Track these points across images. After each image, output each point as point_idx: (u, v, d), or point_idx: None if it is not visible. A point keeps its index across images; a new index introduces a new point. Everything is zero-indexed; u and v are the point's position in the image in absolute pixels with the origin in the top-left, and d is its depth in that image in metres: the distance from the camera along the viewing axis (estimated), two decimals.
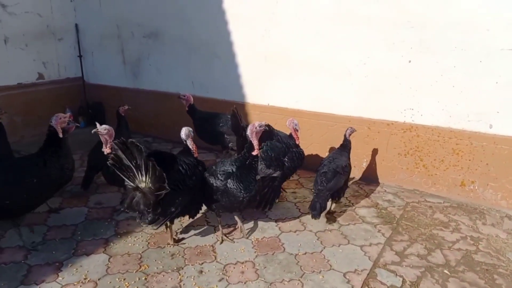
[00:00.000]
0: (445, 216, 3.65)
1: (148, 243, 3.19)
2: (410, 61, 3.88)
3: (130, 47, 5.80)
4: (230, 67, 5.00)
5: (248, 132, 3.04)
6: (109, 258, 2.98)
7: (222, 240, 3.23)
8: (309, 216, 3.59)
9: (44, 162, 3.11)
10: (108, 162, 2.66)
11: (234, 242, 3.23)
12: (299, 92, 4.60)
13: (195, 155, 3.17)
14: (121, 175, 2.69)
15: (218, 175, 3.05)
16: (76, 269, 2.85)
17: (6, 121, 5.32)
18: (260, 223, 3.53)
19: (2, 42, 5.19)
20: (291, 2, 4.35)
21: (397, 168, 4.21)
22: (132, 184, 2.72)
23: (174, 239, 3.21)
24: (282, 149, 3.65)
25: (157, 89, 5.72)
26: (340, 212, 3.74)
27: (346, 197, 3.98)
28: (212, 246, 3.17)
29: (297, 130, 3.71)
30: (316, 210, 3.35)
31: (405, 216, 3.66)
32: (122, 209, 3.55)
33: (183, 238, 3.27)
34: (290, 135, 3.79)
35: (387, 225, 3.51)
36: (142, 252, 3.06)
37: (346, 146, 3.78)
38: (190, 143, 3.16)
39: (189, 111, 4.54)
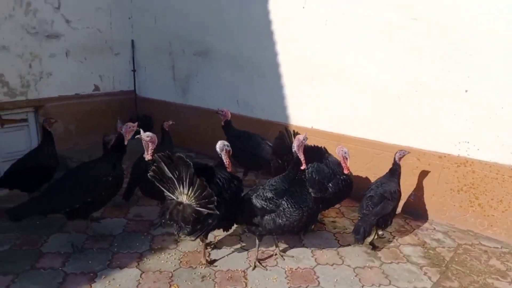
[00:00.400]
0: (502, 264, 3.30)
1: (181, 261, 3.16)
2: (466, 91, 3.62)
3: (181, 64, 5.96)
4: (275, 87, 4.97)
5: (295, 145, 2.98)
6: (141, 274, 2.97)
7: (255, 266, 3.13)
8: (349, 249, 3.42)
9: (114, 165, 3.32)
10: (148, 174, 2.75)
11: (267, 269, 3.11)
12: (344, 117, 4.46)
13: (228, 169, 3.15)
14: (161, 187, 2.76)
15: (269, 196, 2.95)
16: (109, 281, 2.87)
17: (61, 129, 5.66)
18: (295, 251, 3.39)
19: (64, 55, 5.53)
20: (340, 24, 4.26)
21: (449, 205, 3.90)
22: (171, 196, 2.79)
23: (206, 260, 3.15)
24: (328, 174, 3.53)
25: (203, 106, 5.80)
26: (383, 247, 3.50)
27: (390, 232, 3.74)
28: (244, 271, 3.07)
29: (347, 159, 3.54)
30: (359, 234, 3.21)
31: (456, 259, 3.35)
32: (159, 223, 3.61)
33: (215, 260, 3.21)
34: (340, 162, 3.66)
35: (435, 267, 3.22)
36: (173, 271, 3.03)
37: (395, 170, 3.60)
38: (224, 157, 3.15)
39: (224, 127, 4.54)
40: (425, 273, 3.14)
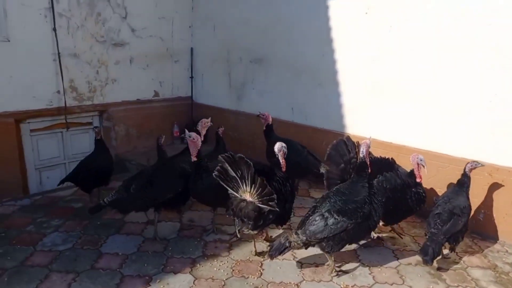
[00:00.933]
0: None
1: (233, 270, 3.13)
2: None
3: (237, 71, 6.01)
4: (332, 95, 4.83)
5: (363, 150, 3.02)
6: (194, 280, 2.97)
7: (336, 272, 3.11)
8: (410, 269, 3.20)
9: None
10: (214, 174, 3.00)
11: (320, 283, 2.98)
12: (406, 127, 4.21)
13: (283, 169, 3.27)
14: (225, 186, 3.00)
15: (352, 207, 2.91)
16: (163, 286, 2.90)
17: (123, 133, 5.93)
18: (350, 267, 3.23)
19: (128, 62, 5.80)
20: (405, 29, 4.05)
21: None
22: (235, 194, 3.01)
23: (256, 251, 3.37)
24: (400, 185, 3.40)
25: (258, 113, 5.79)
26: (448, 269, 3.23)
27: (457, 252, 3.44)
28: (297, 285, 2.97)
29: (423, 166, 3.39)
30: (428, 255, 3.01)
31: None
32: (212, 229, 3.69)
33: (262, 252, 3.34)
34: (410, 172, 3.49)
35: None
36: (225, 279, 3.00)
37: (464, 183, 3.38)
38: (280, 158, 3.27)
39: (265, 131, 4.50)
40: None
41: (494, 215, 3.69)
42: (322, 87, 4.93)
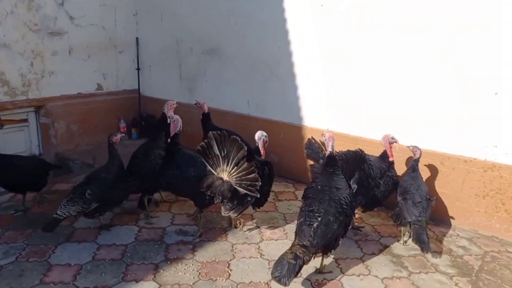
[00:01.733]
0: None
1: (199, 273, 2.97)
2: (496, 93, 3.48)
3: (188, 63, 5.76)
4: (289, 88, 4.78)
5: (329, 143, 3.05)
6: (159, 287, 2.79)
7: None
8: (374, 259, 3.27)
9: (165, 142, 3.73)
10: (196, 148, 3.12)
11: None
12: (362, 119, 4.30)
13: (263, 156, 3.47)
14: (204, 161, 3.12)
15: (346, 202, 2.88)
16: None
17: (63, 129, 5.46)
18: (318, 261, 3.22)
19: (67, 53, 5.31)
20: (363, 19, 4.10)
21: (474, 211, 3.76)
22: (213, 171, 3.14)
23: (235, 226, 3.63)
24: (377, 174, 3.58)
25: (211, 106, 5.56)
26: (409, 256, 3.35)
27: (405, 240, 3.58)
28: (267, 284, 2.89)
29: (396, 143, 3.59)
30: (425, 242, 3.08)
31: (485, 268, 3.20)
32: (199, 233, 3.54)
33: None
34: (382, 156, 3.66)
35: (465, 277, 3.07)
36: (192, 284, 2.85)
37: (417, 168, 3.60)
38: (260, 146, 3.47)
39: (202, 120, 4.45)
40: (456, 284, 2.99)
41: (445, 201, 3.89)
42: (279, 80, 4.87)
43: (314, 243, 2.65)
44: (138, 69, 6.22)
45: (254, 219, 3.84)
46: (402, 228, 3.55)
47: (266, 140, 3.50)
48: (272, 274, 2.62)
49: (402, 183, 3.56)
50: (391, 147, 3.61)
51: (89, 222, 3.56)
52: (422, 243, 3.10)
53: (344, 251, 3.37)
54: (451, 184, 3.84)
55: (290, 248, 2.69)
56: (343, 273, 3.06)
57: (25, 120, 5.19)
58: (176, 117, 3.50)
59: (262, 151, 3.49)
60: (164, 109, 3.99)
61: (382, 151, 3.77)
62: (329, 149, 3.06)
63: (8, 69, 4.74)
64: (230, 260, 3.17)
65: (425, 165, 3.88)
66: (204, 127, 4.40)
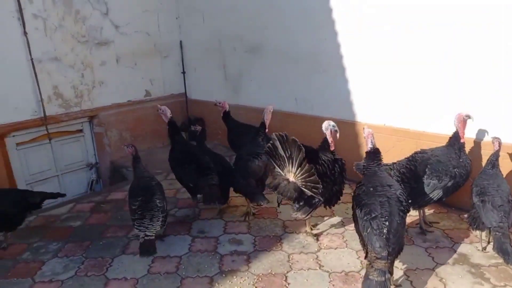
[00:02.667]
0: None
1: (255, 287, 2.82)
2: None
3: (232, 62, 5.63)
4: (340, 82, 4.48)
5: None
6: None
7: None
8: (448, 269, 2.93)
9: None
10: (264, 149, 3.19)
11: None
12: (425, 112, 3.90)
13: (332, 148, 3.28)
14: (273, 162, 3.11)
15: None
16: None
17: (116, 137, 5.55)
18: None
19: (115, 62, 5.38)
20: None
21: None
22: (281, 172, 3.12)
23: (311, 228, 3.52)
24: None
25: (257, 105, 5.43)
26: (489, 265, 2.96)
27: (484, 247, 3.18)
28: None
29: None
30: (509, 253, 2.74)
31: None
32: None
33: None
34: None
35: None
36: None
37: (497, 164, 3.17)
38: (328, 136, 3.28)
39: (223, 118, 4.64)
40: None
41: None
42: (327, 74, 4.57)
43: (391, 251, 2.42)
44: (184, 72, 6.20)
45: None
46: (480, 233, 3.17)
47: (336, 130, 3.26)
48: None
49: (478, 182, 3.15)
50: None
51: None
52: (506, 254, 2.72)
53: (412, 260, 3.06)
54: None
55: (370, 264, 2.46)
56: (414, 287, 2.77)
57: (81, 131, 5.34)
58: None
59: (330, 142, 3.28)
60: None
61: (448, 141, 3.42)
62: (369, 145, 2.95)
63: (61, 82, 4.88)
64: (287, 272, 2.98)
65: (506, 159, 3.43)
66: (226, 125, 4.67)
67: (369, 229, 2.50)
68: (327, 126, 3.27)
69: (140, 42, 5.60)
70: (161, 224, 3.22)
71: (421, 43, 3.78)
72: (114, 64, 5.37)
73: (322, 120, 4.61)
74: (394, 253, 2.46)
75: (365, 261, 2.61)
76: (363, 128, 3.12)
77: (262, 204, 3.55)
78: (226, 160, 4.15)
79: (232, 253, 3.26)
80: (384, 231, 2.45)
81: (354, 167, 3.54)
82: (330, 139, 3.27)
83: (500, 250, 2.76)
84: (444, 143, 3.56)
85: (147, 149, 5.94)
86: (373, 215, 2.53)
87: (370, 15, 4.05)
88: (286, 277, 2.93)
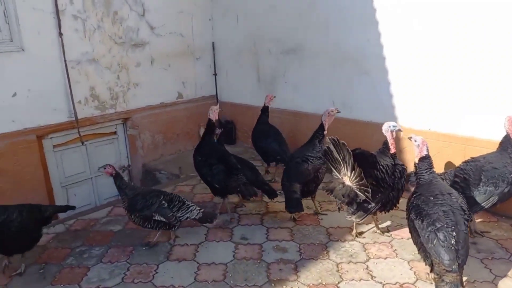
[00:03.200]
0: None
1: None
2: None
3: (266, 64, 5.55)
4: (381, 84, 4.37)
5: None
6: None
7: None
8: (509, 282, 2.78)
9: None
10: (322, 152, 3.33)
11: None
12: (473, 116, 3.75)
13: (392, 150, 3.24)
14: (331, 166, 3.16)
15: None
16: None
17: (149, 140, 5.53)
18: None
19: (149, 63, 5.36)
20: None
21: None
22: (338, 175, 3.14)
23: (356, 233, 3.47)
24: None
25: (293, 108, 5.35)
26: None
27: None
28: None
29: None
30: None
31: None
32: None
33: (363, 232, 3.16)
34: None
35: None
36: None
37: None
38: (389, 137, 3.24)
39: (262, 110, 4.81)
40: None
41: None
42: (368, 76, 4.46)
43: (461, 263, 2.34)
44: (215, 74, 6.15)
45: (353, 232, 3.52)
46: None
47: (399, 129, 3.22)
48: None
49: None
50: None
51: (186, 238, 3.51)
52: None
53: (470, 272, 2.92)
54: None
55: (440, 278, 2.36)
56: None
57: (115, 133, 5.34)
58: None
59: (391, 143, 3.24)
60: (209, 115, 4.09)
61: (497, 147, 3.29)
62: (425, 152, 2.86)
63: (98, 83, 4.87)
64: (339, 283, 2.88)
65: None
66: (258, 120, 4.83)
67: (435, 241, 2.38)
68: (387, 128, 3.23)
69: (174, 43, 5.56)
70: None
71: (469, 45, 3.64)
72: (148, 66, 5.35)
73: (362, 124, 4.59)
74: (464, 263, 2.35)
75: (431, 274, 2.50)
76: (410, 137, 2.99)
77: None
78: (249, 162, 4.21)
79: (278, 261, 3.17)
80: (453, 242, 2.34)
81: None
82: (391, 141, 3.23)
83: None
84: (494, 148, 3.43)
85: (179, 151, 5.92)
86: (438, 226, 2.42)
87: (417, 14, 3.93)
88: (338, 287, 2.83)
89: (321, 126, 3.80)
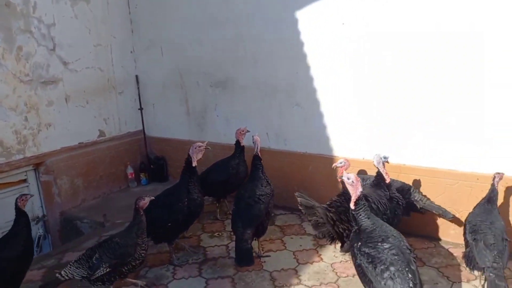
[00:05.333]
0: None
1: None
2: None
3: (195, 97, 5.30)
4: (314, 116, 4.33)
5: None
6: None
7: None
8: None
9: (188, 190, 3.54)
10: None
11: None
12: (407, 144, 3.83)
13: (387, 180, 3.24)
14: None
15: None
16: None
17: (67, 185, 4.93)
18: None
19: (63, 102, 4.82)
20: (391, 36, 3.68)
21: None
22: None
23: None
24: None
25: (226, 142, 5.12)
26: None
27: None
28: None
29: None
30: None
31: None
32: None
33: None
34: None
35: None
36: None
37: (494, 200, 3.07)
38: (381, 169, 3.28)
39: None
40: None
41: None
42: (301, 108, 4.41)
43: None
44: (141, 108, 5.74)
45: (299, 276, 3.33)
46: (476, 272, 3.05)
47: (387, 161, 3.34)
48: None
49: (470, 219, 3.06)
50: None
51: None
52: None
53: None
54: None
55: None
56: None
57: (24, 181, 4.67)
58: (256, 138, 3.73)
59: (384, 174, 3.27)
60: (190, 152, 3.70)
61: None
62: (359, 190, 2.61)
63: (1, 127, 4.24)
64: None
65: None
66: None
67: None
68: (378, 160, 3.27)
69: (91, 78, 5.09)
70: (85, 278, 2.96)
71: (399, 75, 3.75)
72: (63, 104, 4.81)
73: (297, 155, 4.51)
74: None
75: None
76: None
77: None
78: None
79: None
80: (411, 285, 2.26)
81: None
82: (384, 172, 3.27)
83: None
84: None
85: (102, 195, 5.37)
86: (393, 270, 2.33)
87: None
88: None
89: (257, 157, 3.66)
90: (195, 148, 3.65)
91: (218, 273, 3.44)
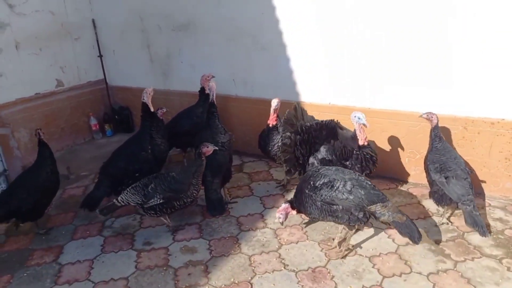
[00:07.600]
0: None
1: None
2: None
3: (157, 42, 5.03)
4: (280, 61, 4.20)
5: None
6: None
7: None
8: (409, 250, 2.90)
9: (151, 135, 3.59)
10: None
11: None
12: (370, 88, 3.80)
13: (361, 142, 3.11)
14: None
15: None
16: None
17: (26, 139, 4.73)
18: (352, 264, 2.83)
19: (14, 49, 4.48)
20: None
21: (503, 176, 3.43)
22: None
23: None
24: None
25: (192, 89, 4.95)
26: (447, 240, 3.00)
27: (447, 217, 3.24)
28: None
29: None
30: (483, 225, 2.79)
31: None
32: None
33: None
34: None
35: None
36: None
37: (442, 137, 3.17)
38: (357, 129, 3.10)
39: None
40: (508, 269, 2.68)
41: (472, 169, 3.52)
42: (267, 52, 4.25)
43: None
44: (101, 56, 5.42)
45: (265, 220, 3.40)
46: (441, 208, 3.19)
47: (364, 123, 3.02)
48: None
49: (433, 158, 3.10)
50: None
51: (76, 254, 3.04)
52: (481, 227, 2.76)
53: (375, 245, 3.00)
54: (477, 149, 3.47)
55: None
56: (383, 275, 2.69)
57: None
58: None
59: (360, 137, 3.09)
60: (143, 99, 3.65)
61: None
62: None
63: None
64: (252, 278, 2.73)
65: (445, 132, 3.48)
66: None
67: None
68: (353, 118, 3.07)
69: (43, 23, 4.71)
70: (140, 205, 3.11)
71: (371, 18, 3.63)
72: (13, 52, 4.46)
73: (265, 102, 4.42)
74: None
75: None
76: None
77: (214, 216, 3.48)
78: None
79: (187, 264, 2.91)
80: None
81: None
82: (359, 134, 3.09)
83: (474, 223, 2.79)
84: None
85: (66, 148, 5.20)
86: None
87: None
88: (251, 284, 2.67)
89: (212, 104, 3.60)
90: (149, 94, 3.65)
91: (185, 220, 3.47)
